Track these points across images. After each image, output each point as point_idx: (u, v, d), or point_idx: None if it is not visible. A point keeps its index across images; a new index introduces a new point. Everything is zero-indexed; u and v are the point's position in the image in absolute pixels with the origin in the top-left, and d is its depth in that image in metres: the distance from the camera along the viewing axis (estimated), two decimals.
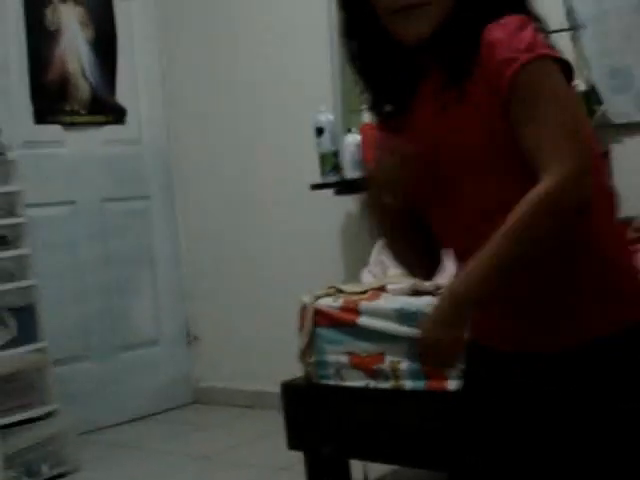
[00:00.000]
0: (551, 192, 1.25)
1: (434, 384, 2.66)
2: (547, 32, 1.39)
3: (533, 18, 1.39)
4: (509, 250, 1.29)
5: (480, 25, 1.35)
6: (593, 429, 1.36)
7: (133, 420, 4.39)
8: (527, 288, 1.38)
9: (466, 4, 1.40)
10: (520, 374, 1.43)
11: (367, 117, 3.72)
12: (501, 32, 1.33)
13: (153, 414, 4.50)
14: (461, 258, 1.47)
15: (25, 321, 3.80)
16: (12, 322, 3.80)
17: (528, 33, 1.32)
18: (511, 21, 1.34)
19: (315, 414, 2.99)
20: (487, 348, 1.48)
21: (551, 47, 1.35)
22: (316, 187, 3.87)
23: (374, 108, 1.55)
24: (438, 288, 2.90)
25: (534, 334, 1.41)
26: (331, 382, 2.92)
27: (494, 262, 1.29)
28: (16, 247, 3.76)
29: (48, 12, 4.40)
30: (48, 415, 3.75)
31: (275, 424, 3.27)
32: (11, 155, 3.85)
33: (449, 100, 1.39)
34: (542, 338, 1.41)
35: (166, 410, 4.50)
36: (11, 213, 3.82)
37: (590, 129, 1.41)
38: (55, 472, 3.73)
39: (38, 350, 3.81)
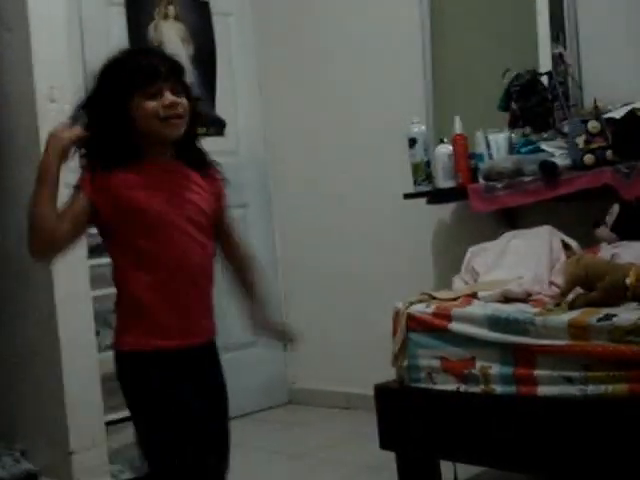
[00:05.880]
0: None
1: (524, 389, 2.68)
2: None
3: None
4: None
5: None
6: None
7: (230, 418, 4.48)
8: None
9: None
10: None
11: (458, 128, 3.82)
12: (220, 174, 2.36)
13: (250, 413, 4.61)
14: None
15: None
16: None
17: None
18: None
19: (407, 416, 3.03)
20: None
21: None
22: (409, 196, 3.94)
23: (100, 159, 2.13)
24: (529, 295, 2.96)
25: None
26: (423, 385, 2.96)
27: None
28: None
29: (150, 29, 4.55)
30: None
31: (366, 425, 3.35)
32: None
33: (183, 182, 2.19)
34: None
35: (262, 409, 4.62)
36: None
37: None
38: None
39: None
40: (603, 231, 3.17)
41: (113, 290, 3.68)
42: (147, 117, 2.11)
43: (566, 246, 3.13)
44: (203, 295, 2.23)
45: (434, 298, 3.05)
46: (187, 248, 2.15)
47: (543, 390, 2.64)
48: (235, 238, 2.40)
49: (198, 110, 2.26)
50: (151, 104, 2.10)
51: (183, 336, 2.15)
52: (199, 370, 2.21)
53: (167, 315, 2.12)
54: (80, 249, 3.54)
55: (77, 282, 3.58)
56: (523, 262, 3.11)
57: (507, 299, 2.91)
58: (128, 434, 3.80)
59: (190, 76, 4.59)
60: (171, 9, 4.60)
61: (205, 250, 2.21)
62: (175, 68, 2.19)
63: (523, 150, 3.58)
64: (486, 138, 3.73)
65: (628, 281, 2.62)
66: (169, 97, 2.11)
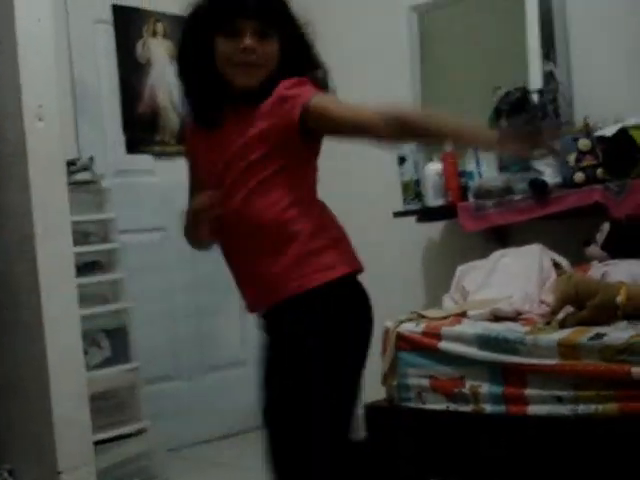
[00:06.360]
0: None
1: (514, 408, 2.68)
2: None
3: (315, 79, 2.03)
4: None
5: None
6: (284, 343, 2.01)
7: (219, 438, 4.46)
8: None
9: (283, 70, 1.94)
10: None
11: (448, 146, 3.81)
12: (285, 86, 1.92)
13: (240, 433, 4.53)
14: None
15: (118, 342, 3.90)
16: (106, 343, 3.91)
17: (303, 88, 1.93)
18: (291, 81, 1.93)
19: (397, 435, 3.03)
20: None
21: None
22: (398, 214, 3.94)
23: (194, 113, 2.07)
24: (519, 313, 2.95)
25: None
26: (412, 405, 2.96)
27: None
28: (110, 272, 3.86)
29: (138, 46, 4.52)
30: (139, 432, 3.83)
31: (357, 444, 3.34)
32: (104, 183, 3.96)
33: (244, 126, 1.94)
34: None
35: (253, 429, 4.57)
36: (105, 239, 3.93)
37: None
38: None
39: (130, 370, 3.89)
40: (593, 249, 3.16)
41: (101, 309, 3.74)
42: (221, 59, 1.93)
43: (556, 264, 3.13)
44: (255, 257, 2.02)
45: (424, 317, 3.05)
46: (239, 208, 2.00)
47: (533, 409, 2.64)
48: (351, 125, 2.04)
49: (299, 54, 2.02)
50: (227, 46, 1.91)
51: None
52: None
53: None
54: (68, 268, 3.53)
55: (65, 301, 3.55)
56: (513, 280, 3.10)
57: (497, 318, 2.91)
58: (116, 453, 3.79)
59: (178, 93, 4.60)
60: (159, 26, 4.59)
61: (253, 206, 2.00)
62: (266, 5, 1.93)
63: (513, 168, 3.57)
64: (476, 156, 3.73)
65: (619, 300, 2.62)
66: (246, 41, 1.89)
